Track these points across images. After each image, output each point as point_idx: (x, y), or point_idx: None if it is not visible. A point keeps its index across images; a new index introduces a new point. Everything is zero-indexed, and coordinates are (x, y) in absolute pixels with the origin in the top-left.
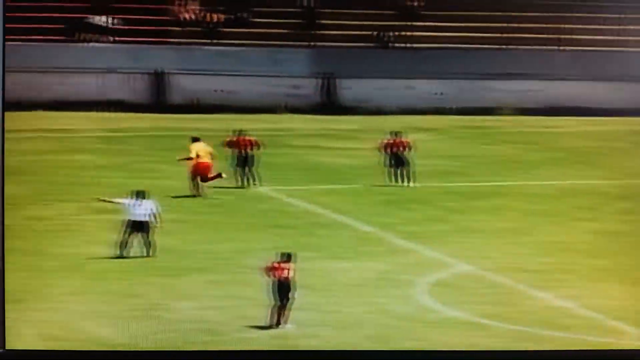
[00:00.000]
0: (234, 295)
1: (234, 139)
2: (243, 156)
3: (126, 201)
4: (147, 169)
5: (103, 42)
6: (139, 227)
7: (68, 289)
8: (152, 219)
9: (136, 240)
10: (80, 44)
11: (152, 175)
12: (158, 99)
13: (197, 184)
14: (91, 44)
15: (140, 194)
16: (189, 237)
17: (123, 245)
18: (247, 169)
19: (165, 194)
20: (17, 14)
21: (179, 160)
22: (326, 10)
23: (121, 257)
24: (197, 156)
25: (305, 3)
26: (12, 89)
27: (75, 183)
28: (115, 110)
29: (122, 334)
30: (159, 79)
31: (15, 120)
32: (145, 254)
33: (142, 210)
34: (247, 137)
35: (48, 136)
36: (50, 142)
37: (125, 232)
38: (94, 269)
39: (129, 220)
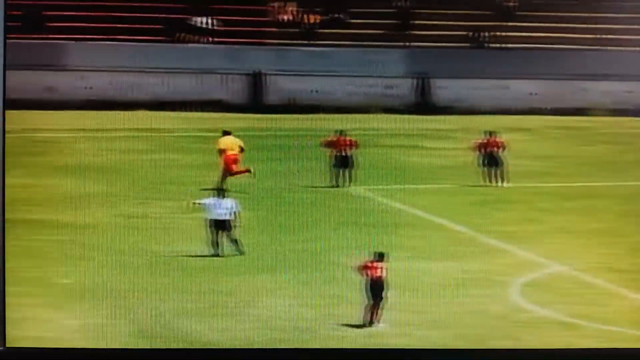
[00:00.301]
0: (327, 293)
1: (334, 138)
2: (342, 156)
3: (208, 201)
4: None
5: (202, 42)
6: (221, 225)
7: (162, 286)
8: (233, 217)
9: (223, 238)
10: (179, 45)
11: (249, 174)
12: (255, 99)
13: (227, 176)
14: (190, 45)
15: (220, 193)
16: (282, 235)
17: (214, 244)
18: (345, 169)
19: (259, 193)
20: (121, 14)
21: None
22: (421, 11)
23: (215, 255)
24: (226, 149)
25: (400, 4)
26: (115, 88)
27: (173, 182)
28: (213, 111)
29: (214, 331)
30: (256, 80)
31: (116, 119)
32: (235, 253)
33: (223, 209)
34: (347, 137)
35: (148, 135)
36: (150, 142)
37: (211, 231)
38: (187, 266)
39: (211, 220)
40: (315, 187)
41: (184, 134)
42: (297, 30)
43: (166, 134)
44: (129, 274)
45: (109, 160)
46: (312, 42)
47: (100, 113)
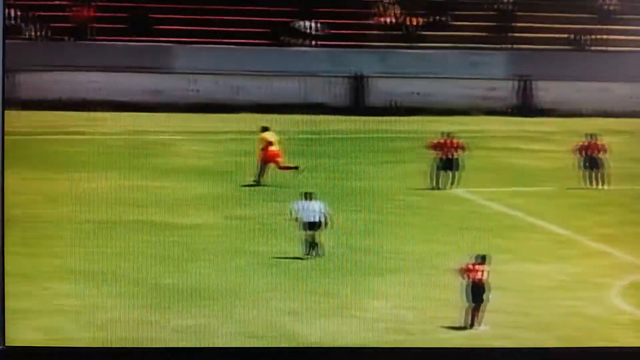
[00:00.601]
0: (428, 295)
1: (441, 141)
2: (448, 159)
3: (298, 204)
4: (346, 170)
5: (305, 46)
6: (310, 227)
7: (266, 286)
8: (322, 219)
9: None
10: (283, 48)
11: (351, 176)
12: (357, 102)
13: (264, 172)
14: (294, 48)
15: (308, 196)
16: (384, 237)
17: (307, 245)
18: (449, 171)
19: (361, 195)
20: (226, 17)
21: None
22: (523, 13)
23: (309, 256)
24: (267, 145)
25: (502, 7)
26: (221, 91)
27: (276, 184)
28: (316, 113)
29: (316, 331)
30: (358, 82)
31: (222, 121)
32: (319, 255)
33: (311, 211)
34: (454, 140)
35: (252, 138)
36: (254, 144)
37: (304, 233)
38: (291, 267)
39: (304, 222)
40: (416, 189)
41: (287, 137)
42: (399, 32)
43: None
44: (231, 275)
45: (214, 163)
46: (414, 44)
47: (205, 116)
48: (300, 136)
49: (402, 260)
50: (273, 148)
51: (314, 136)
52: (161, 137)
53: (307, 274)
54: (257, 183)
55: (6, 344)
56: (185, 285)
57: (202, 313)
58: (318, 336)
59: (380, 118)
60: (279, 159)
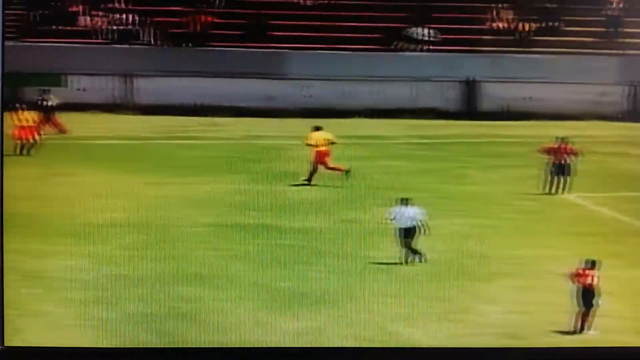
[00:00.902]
0: (539, 300)
1: (555, 146)
2: (561, 164)
3: (394, 209)
4: (457, 175)
5: (417, 51)
6: (406, 234)
7: (379, 290)
8: (419, 225)
9: (417, 246)
10: (396, 53)
11: (462, 181)
12: (469, 107)
13: (316, 170)
14: (407, 53)
15: (404, 201)
16: (494, 242)
17: (404, 252)
18: (562, 176)
19: (472, 200)
20: (339, 23)
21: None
22: (634, 19)
23: (407, 263)
24: (317, 145)
25: (613, 12)
26: (333, 96)
27: (387, 188)
28: (428, 118)
29: (429, 335)
30: (470, 87)
31: (334, 127)
32: (419, 260)
33: (407, 217)
34: (567, 145)
35: (364, 142)
36: (366, 149)
37: (400, 239)
38: (404, 272)
39: (399, 228)
40: (527, 194)
41: (399, 142)
42: (511, 37)
43: (382, 141)
44: (343, 278)
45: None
46: (526, 49)
47: (318, 121)
48: (412, 141)
49: (512, 265)
50: (322, 148)
51: (425, 140)
52: (274, 142)
53: (418, 278)
54: (308, 182)
55: (5, 344)
56: (300, 288)
57: (315, 316)
58: (431, 340)
59: (491, 123)
60: (327, 159)
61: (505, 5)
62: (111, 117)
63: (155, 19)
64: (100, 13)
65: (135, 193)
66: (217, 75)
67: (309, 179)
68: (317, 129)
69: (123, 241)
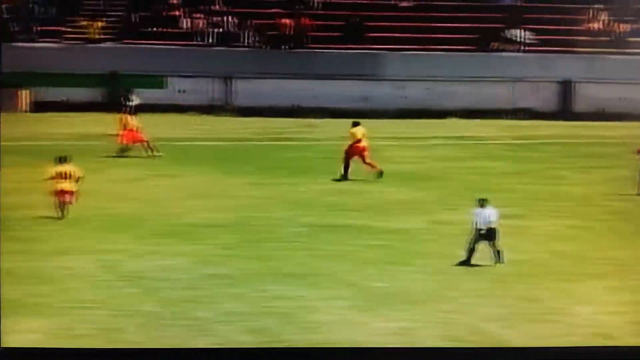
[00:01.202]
0: (631, 301)
1: None
2: None
3: (474, 211)
4: (551, 176)
5: (514, 52)
6: (485, 235)
7: (472, 291)
8: (494, 226)
9: (487, 247)
10: (492, 54)
11: (557, 182)
12: (564, 107)
13: (348, 165)
14: (504, 54)
15: (482, 202)
16: (588, 243)
17: (470, 252)
18: None
19: (567, 201)
20: (436, 24)
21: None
22: None
23: (467, 263)
24: (355, 140)
25: None
26: (429, 97)
27: (484, 188)
28: (524, 118)
29: (522, 335)
30: (566, 88)
31: (430, 127)
32: (495, 262)
33: (483, 218)
34: None
35: (459, 143)
36: (461, 149)
37: (472, 239)
38: (496, 272)
39: (476, 229)
40: (622, 194)
41: (494, 142)
42: (607, 39)
43: (477, 142)
44: (434, 278)
45: (422, 168)
46: (621, 50)
47: (413, 121)
48: (508, 141)
49: (606, 266)
50: (362, 143)
51: (520, 141)
52: (372, 142)
53: (510, 279)
54: (344, 178)
55: (2, 345)
56: (393, 288)
57: (407, 317)
58: (521, 340)
59: (586, 123)
60: (366, 153)
61: (600, 6)
62: (210, 119)
63: (255, 21)
64: (201, 16)
65: (233, 193)
66: (313, 77)
67: (344, 175)
68: (356, 124)
69: (220, 241)
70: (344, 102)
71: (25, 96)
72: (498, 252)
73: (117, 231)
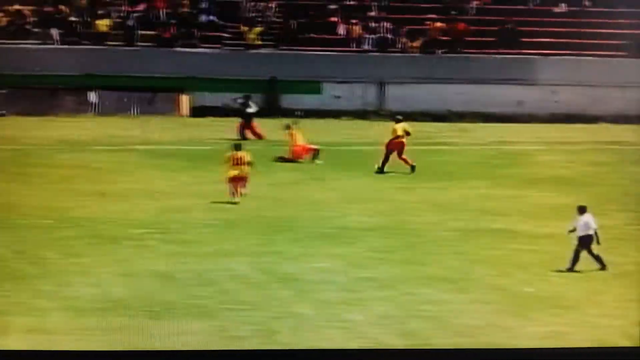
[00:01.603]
0: None
1: None
2: None
3: (579, 218)
4: None
5: None
6: (581, 242)
7: (622, 295)
8: (592, 233)
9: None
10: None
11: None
12: None
13: (387, 159)
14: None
15: (581, 210)
16: None
17: (574, 258)
18: None
19: None
20: (587, 30)
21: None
22: None
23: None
24: (397, 135)
25: None
26: (580, 102)
27: (629, 194)
28: None
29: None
30: None
31: (580, 132)
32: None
33: (582, 225)
34: None
35: (610, 148)
36: (609, 154)
37: (577, 247)
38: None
39: (578, 236)
40: None
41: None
42: None
43: (628, 147)
44: (583, 283)
45: (573, 173)
46: None
47: (564, 126)
48: None
49: None
50: (401, 139)
51: None
52: (522, 147)
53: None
54: (381, 171)
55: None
56: (542, 292)
57: (557, 320)
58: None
59: None
60: (403, 149)
61: None
62: (363, 124)
63: (409, 27)
64: (357, 22)
65: (384, 197)
66: (467, 81)
67: (381, 169)
68: (399, 120)
69: (372, 244)
70: (497, 106)
71: (186, 101)
72: (597, 258)
73: (274, 233)
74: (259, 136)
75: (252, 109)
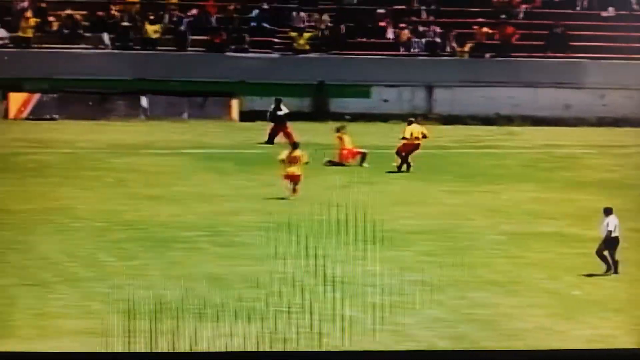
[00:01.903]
0: None
1: None
2: None
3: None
4: None
5: None
6: (605, 243)
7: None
8: (617, 234)
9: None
10: None
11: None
12: None
13: (402, 160)
14: None
15: (607, 212)
16: None
17: (603, 259)
18: None
19: None
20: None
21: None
22: None
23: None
24: (411, 137)
25: None
26: (628, 105)
27: None
28: None
29: None
30: None
31: (627, 136)
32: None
33: (605, 226)
34: None
35: None
36: None
37: (602, 248)
38: None
39: (602, 238)
40: None
41: None
42: None
43: None
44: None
45: (620, 176)
46: None
47: (612, 129)
48: None
49: None
50: (416, 142)
51: None
52: (570, 150)
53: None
54: (399, 170)
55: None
56: (591, 295)
57: (604, 324)
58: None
59: None
60: (415, 151)
61: None
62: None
63: (458, 30)
64: (406, 26)
65: (433, 201)
66: (515, 84)
67: (399, 168)
68: (411, 122)
69: (422, 247)
70: (545, 109)
71: (235, 105)
72: (615, 261)
73: (324, 237)
74: (291, 138)
75: (282, 112)
